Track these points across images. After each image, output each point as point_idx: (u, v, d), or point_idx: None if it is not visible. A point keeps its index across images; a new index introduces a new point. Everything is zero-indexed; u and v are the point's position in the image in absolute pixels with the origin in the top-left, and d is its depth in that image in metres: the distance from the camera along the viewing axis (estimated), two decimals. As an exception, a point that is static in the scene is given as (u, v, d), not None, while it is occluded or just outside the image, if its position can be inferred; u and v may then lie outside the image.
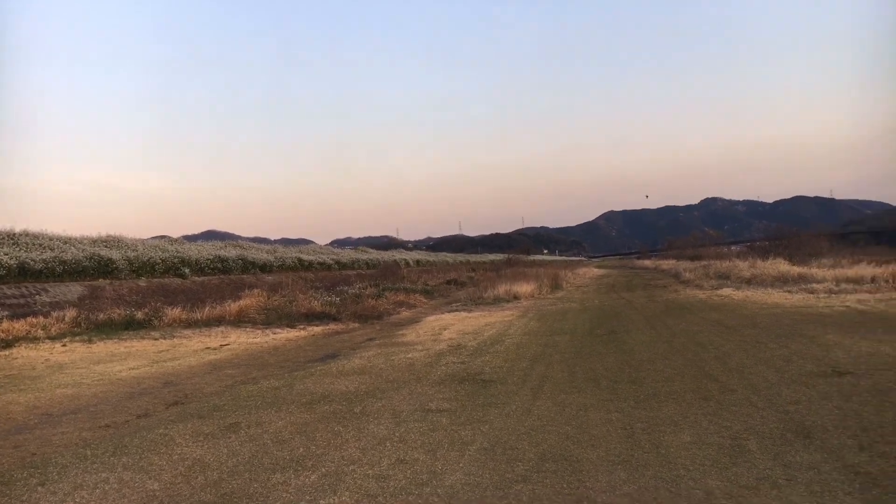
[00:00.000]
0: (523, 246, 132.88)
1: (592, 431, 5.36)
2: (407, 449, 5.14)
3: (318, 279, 31.68)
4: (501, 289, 25.38)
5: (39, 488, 4.64)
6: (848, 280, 20.14)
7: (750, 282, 24.27)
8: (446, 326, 15.18)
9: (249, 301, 18.85)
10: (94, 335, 14.46)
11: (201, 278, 26.85)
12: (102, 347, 13.12)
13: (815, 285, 19.82)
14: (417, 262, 61.83)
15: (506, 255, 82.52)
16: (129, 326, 15.62)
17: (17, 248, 20.48)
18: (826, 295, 17.30)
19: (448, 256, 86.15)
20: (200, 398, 7.85)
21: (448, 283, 36.52)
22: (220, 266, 29.40)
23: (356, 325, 17.45)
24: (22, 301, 17.92)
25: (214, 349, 12.82)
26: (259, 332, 15.63)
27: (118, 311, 16.65)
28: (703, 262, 42.15)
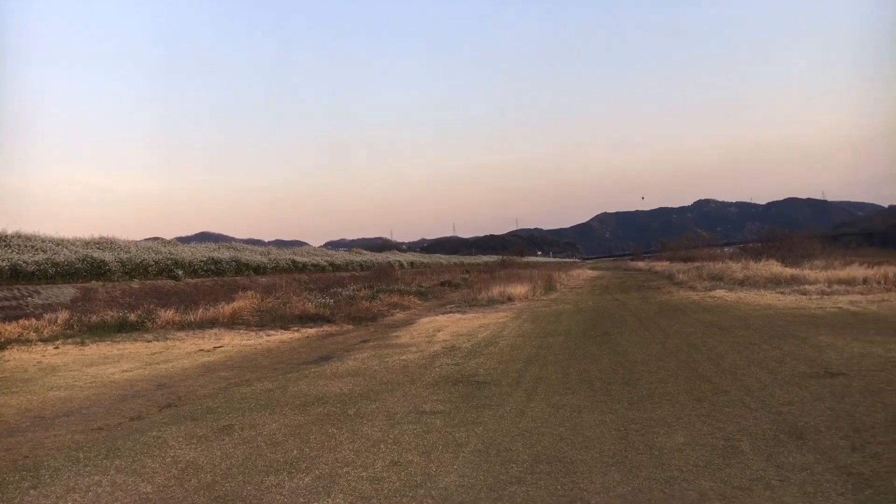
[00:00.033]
0: (517, 247, 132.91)
1: (586, 433, 5.37)
2: (401, 451, 5.14)
3: (312, 281, 31.63)
4: (495, 290, 25.38)
5: (32, 491, 4.61)
6: (840, 281, 20.27)
7: (743, 283, 24.39)
8: (440, 328, 15.18)
9: (243, 303, 18.79)
10: (86, 337, 14.39)
11: (195, 280, 26.77)
12: (95, 350, 13.05)
13: (807, 287, 19.92)
14: (411, 264, 61.88)
15: (500, 257, 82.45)
16: (122, 328, 15.54)
17: (9, 250, 20.38)
18: (818, 296, 17.40)
19: (442, 258, 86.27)
20: (194, 400, 7.82)
21: (442, 284, 36.50)
22: (214, 268, 29.33)
23: (350, 326, 17.43)
24: (14, 303, 17.81)
25: (208, 351, 12.77)
26: (253, 334, 15.59)
27: (111, 313, 16.56)
28: (697, 264, 42.32)
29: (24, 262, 19.78)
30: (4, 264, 18.93)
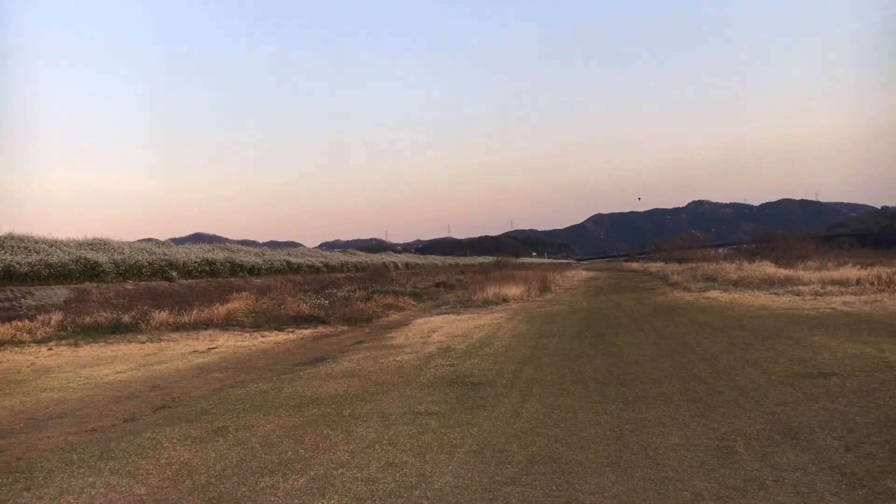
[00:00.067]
0: (512, 248, 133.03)
1: (581, 433, 5.38)
2: (396, 452, 5.13)
3: (306, 282, 31.58)
4: (490, 291, 25.42)
5: (25, 493, 4.58)
6: (833, 282, 20.37)
7: (737, 284, 24.50)
8: (435, 329, 15.18)
9: (238, 304, 18.75)
10: (80, 339, 14.33)
11: (189, 281, 26.67)
12: (89, 351, 12.99)
13: (801, 287, 20.02)
14: (406, 265, 61.80)
15: (495, 258, 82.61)
16: (116, 330, 15.48)
17: (2, 251, 20.28)
18: (812, 297, 17.47)
19: (437, 259, 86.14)
20: (188, 402, 7.79)
21: (437, 285, 36.50)
22: (208, 269, 29.22)
23: (345, 328, 17.40)
24: (7, 304, 17.72)
25: (202, 352, 12.73)
26: (247, 335, 15.54)
27: (105, 314, 16.50)
28: (691, 265, 42.49)
29: (18, 263, 19.67)
30: (-3, 265, 18.82)
